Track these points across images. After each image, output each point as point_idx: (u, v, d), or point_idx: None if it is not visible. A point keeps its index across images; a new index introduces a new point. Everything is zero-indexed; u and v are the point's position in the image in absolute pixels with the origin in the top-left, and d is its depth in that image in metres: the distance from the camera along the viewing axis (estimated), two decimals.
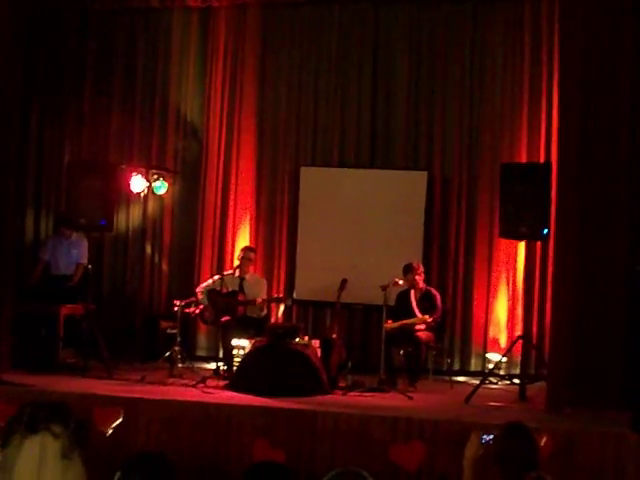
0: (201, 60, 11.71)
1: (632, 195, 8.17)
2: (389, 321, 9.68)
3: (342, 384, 9.18)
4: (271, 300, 10.37)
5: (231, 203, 11.52)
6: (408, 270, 9.86)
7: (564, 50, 8.60)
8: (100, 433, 7.32)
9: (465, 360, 10.85)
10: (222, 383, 9.11)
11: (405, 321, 9.73)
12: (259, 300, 10.03)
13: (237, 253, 10.72)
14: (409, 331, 9.67)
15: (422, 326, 9.73)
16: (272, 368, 8.86)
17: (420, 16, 11.17)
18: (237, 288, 10.16)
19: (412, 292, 9.92)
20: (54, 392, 8.07)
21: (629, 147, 8.21)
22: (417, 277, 9.90)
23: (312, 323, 11.17)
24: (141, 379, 9.16)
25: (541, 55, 10.61)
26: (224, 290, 9.96)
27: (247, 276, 10.31)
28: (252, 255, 10.45)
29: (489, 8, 10.95)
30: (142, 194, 11.14)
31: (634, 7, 8.25)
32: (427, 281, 10.18)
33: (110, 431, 7.40)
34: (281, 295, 10.64)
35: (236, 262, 10.47)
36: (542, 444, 6.30)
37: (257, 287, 10.28)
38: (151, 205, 11.50)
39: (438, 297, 9.96)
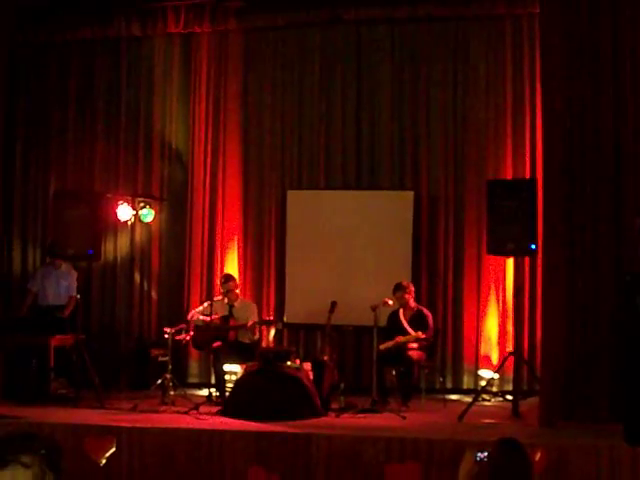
0: (184, 86, 11.71)
1: (618, 207, 8.18)
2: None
3: (335, 406, 9.12)
4: (262, 323, 10.30)
5: (218, 228, 11.49)
6: (398, 289, 9.84)
7: (546, 65, 8.63)
8: (93, 463, 7.28)
9: (457, 378, 10.83)
10: (215, 409, 9.07)
11: (400, 338, 9.70)
12: (250, 323, 10.00)
13: None
14: (401, 351, 9.65)
15: (414, 345, 9.70)
16: (265, 392, 8.81)
17: (402, 36, 11.22)
18: (227, 314, 10.14)
19: (401, 311, 9.90)
20: (46, 423, 8.01)
21: (614, 161, 8.23)
22: (407, 296, 9.88)
23: (303, 346, 11.14)
24: (133, 408, 9.10)
25: (523, 71, 10.68)
26: (214, 316, 9.93)
27: (236, 303, 10.28)
28: (231, 284, 10.29)
29: (470, 26, 11.00)
30: (129, 222, 11.14)
31: (614, 20, 8.29)
32: (417, 300, 10.17)
33: (104, 461, 7.36)
34: (271, 318, 10.57)
35: None
36: (536, 459, 6.28)
37: (247, 312, 10.24)
38: (138, 233, 11.50)
39: (430, 317, 9.93)
